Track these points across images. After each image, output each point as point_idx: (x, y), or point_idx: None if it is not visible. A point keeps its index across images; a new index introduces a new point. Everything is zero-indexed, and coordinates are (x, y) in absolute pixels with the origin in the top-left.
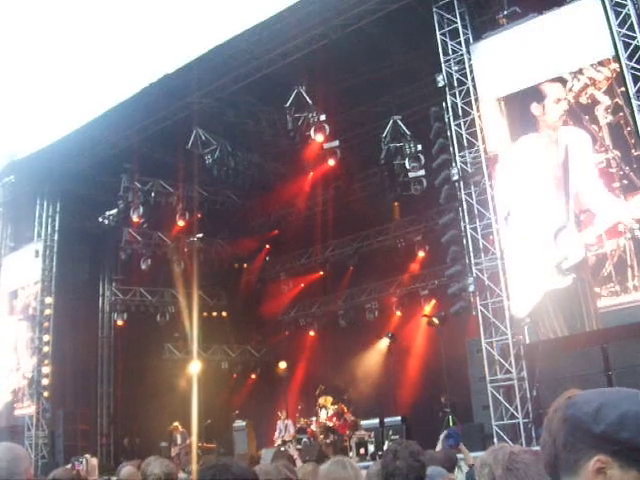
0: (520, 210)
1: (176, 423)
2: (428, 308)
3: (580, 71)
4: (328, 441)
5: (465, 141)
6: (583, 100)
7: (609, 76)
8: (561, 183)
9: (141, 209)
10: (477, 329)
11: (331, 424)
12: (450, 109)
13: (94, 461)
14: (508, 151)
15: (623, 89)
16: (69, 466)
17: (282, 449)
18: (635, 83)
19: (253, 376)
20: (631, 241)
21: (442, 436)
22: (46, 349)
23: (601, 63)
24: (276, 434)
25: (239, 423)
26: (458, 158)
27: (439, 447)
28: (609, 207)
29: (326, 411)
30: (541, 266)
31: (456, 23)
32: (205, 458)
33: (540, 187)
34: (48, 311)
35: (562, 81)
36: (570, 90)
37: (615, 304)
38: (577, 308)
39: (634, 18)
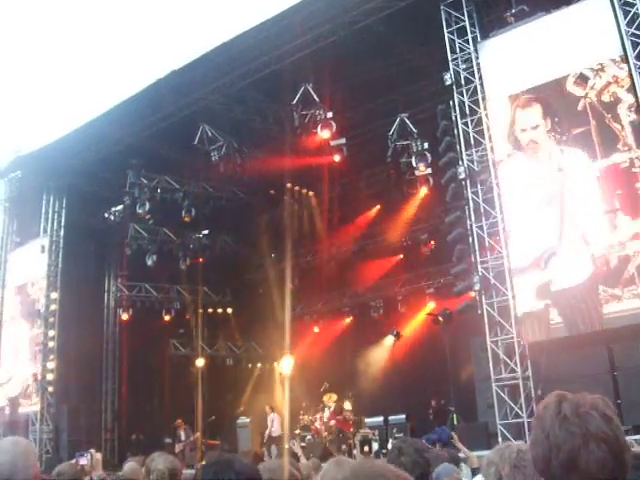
0: (516, 227)
1: (180, 420)
2: (433, 306)
3: (602, 68)
4: (332, 439)
5: (472, 139)
6: (605, 98)
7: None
8: (554, 203)
9: (147, 205)
10: (482, 328)
11: (333, 422)
12: (457, 107)
13: (98, 456)
14: (505, 163)
15: None
16: (73, 461)
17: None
18: None
19: (257, 373)
20: None
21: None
22: (51, 344)
23: (624, 60)
24: (268, 430)
25: (243, 420)
26: (465, 156)
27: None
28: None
29: (329, 409)
30: (522, 288)
31: (464, 21)
32: (208, 454)
33: (532, 205)
34: (54, 306)
35: (543, 101)
36: (592, 88)
37: (637, 307)
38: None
39: None
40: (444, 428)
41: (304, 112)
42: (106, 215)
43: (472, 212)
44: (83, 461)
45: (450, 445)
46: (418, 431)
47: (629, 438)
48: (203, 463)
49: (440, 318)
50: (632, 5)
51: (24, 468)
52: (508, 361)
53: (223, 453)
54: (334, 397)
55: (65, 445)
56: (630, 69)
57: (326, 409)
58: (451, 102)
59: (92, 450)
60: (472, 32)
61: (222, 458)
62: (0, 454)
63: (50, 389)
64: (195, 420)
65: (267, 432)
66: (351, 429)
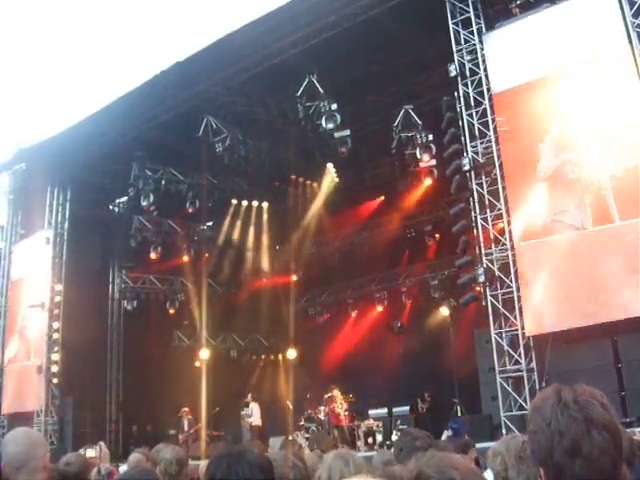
0: None
1: (186, 408)
2: (437, 298)
3: None
4: (336, 431)
5: (477, 131)
6: None
7: None
8: None
9: (151, 197)
10: (486, 320)
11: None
12: (462, 99)
13: (106, 449)
14: None
15: None
16: (81, 451)
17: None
18: None
19: (262, 365)
20: None
21: (444, 437)
22: (56, 336)
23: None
24: (250, 419)
25: (247, 411)
26: (469, 148)
27: (444, 437)
28: None
29: (335, 402)
30: None
31: (469, 12)
32: (212, 446)
33: None
34: (58, 298)
35: None
36: None
37: None
38: None
39: None
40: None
41: (308, 104)
42: (110, 207)
43: (477, 204)
44: (91, 453)
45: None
46: (423, 421)
47: (634, 429)
48: (215, 455)
49: (445, 309)
50: None
51: (35, 458)
52: (512, 353)
53: (231, 445)
54: (337, 389)
55: (70, 437)
56: (635, 60)
57: (332, 401)
58: (456, 94)
59: (101, 443)
60: (477, 23)
61: (233, 450)
62: (13, 444)
63: (55, 381)
64: (199, 411)
65: (248, 422)
66: (354, 421)
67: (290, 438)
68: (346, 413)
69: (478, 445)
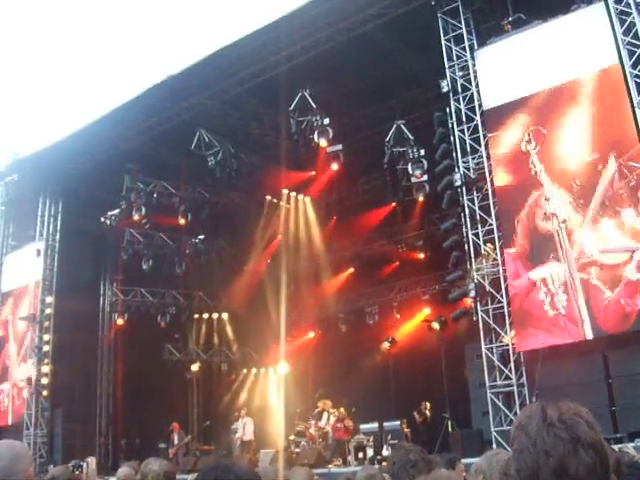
0: None
1: (175, 424)
2: (428, 313)
3: None
4: (325, 445)
5: (468, 147)
6: None
7: None
8: None
9: (143, 209)
10: (477, 334)
11: (329, 429)
12: (454, 114)
13: (94, 464)
14: None
15: None
16: (70, 465)
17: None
18: (639, 91)
19: (252, 378)
20: None
21: None
22: (46, 348)
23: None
24: (238, 434)
25: (237, 425)
26: (461, 163)
27: None
28: None
29: (328, 416)
30: None
31: (461, 29)
32: (202, 460)
33: None
34: (49, 310)
35: None
36: None
37: None
38: None
39: (639, 26)
40: None
41: (301, 118)
42: (102, 219)
43: (468, 219)
44: (79, 469)
45: None
46: (414, 436)
47: (625, 445)
48: (204, 468)
49: (435, 325)
50: (628, 14)
51: (18, 472)
52: (503, 368)
53: (220, 458)
54: (329, 403)
55: (59, 449)
56: (626, 77)
57: (324, 415)
58: (448, 109)
59: (89, 459)
60: (469, 40)
61: (221, 463)
62: None
63: (44, 393)
64: (190, 425)
65: (239, 436)
66: (346, 437)
67: (280, 452)
68: (338, 426)
69: (468, 460)
